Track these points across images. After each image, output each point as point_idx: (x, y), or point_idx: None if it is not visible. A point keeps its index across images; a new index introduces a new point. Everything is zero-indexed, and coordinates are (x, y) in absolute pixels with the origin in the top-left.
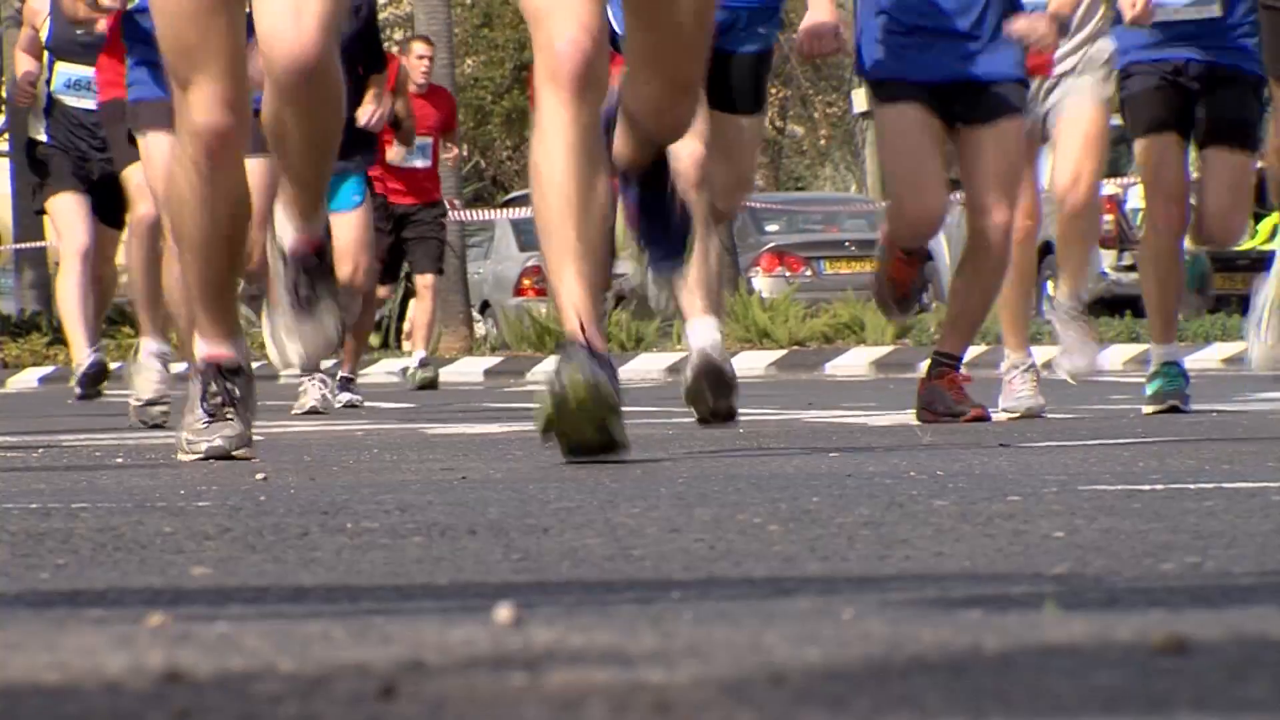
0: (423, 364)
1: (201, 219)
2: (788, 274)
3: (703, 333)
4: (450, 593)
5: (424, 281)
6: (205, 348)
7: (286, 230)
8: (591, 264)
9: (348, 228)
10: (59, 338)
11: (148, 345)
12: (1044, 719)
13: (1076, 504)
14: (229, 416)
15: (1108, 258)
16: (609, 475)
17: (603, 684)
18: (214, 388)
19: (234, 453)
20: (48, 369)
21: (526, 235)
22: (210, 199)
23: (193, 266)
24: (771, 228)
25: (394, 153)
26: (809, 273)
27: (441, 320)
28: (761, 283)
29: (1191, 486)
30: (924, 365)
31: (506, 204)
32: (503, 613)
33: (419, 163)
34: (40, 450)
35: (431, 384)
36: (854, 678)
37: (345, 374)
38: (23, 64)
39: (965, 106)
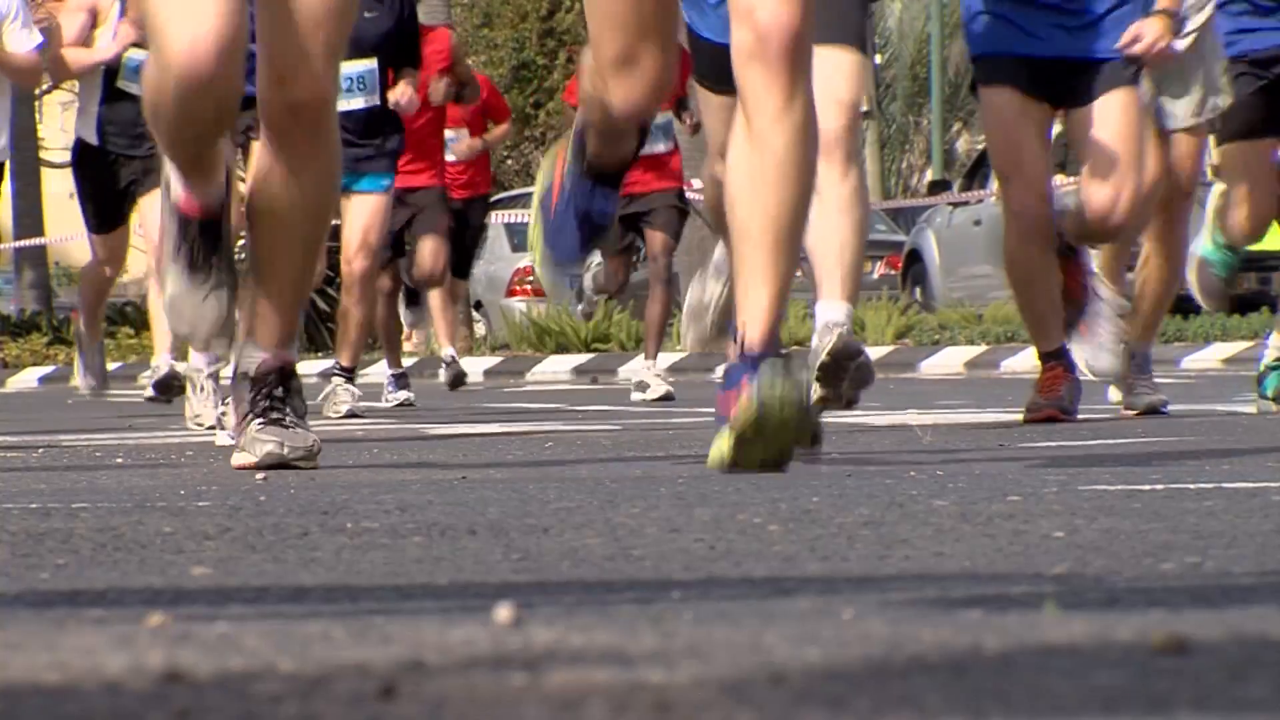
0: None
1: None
2: None
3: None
4: (450, 593)
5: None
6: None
7: (175, 186)
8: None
9: (362, 211)
10: (59, 337)
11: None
12: (1044, 719)
13: (1076, 504)
14: None
15: (1097, 258)
16: (609, 475)
17: (603, 684)
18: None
19: None
20: (48, 369)
21: (519, 236)
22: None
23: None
24: None
25: (460, 147)
26: (797, 273)
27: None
28: None
29: (1191, 486)
30: (924, 365)
31: (495, 204)
32: (503, 613)
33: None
34: (40, 450)
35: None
36: (854, 678)
37: (393, 371)
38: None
39: (1073, 86)
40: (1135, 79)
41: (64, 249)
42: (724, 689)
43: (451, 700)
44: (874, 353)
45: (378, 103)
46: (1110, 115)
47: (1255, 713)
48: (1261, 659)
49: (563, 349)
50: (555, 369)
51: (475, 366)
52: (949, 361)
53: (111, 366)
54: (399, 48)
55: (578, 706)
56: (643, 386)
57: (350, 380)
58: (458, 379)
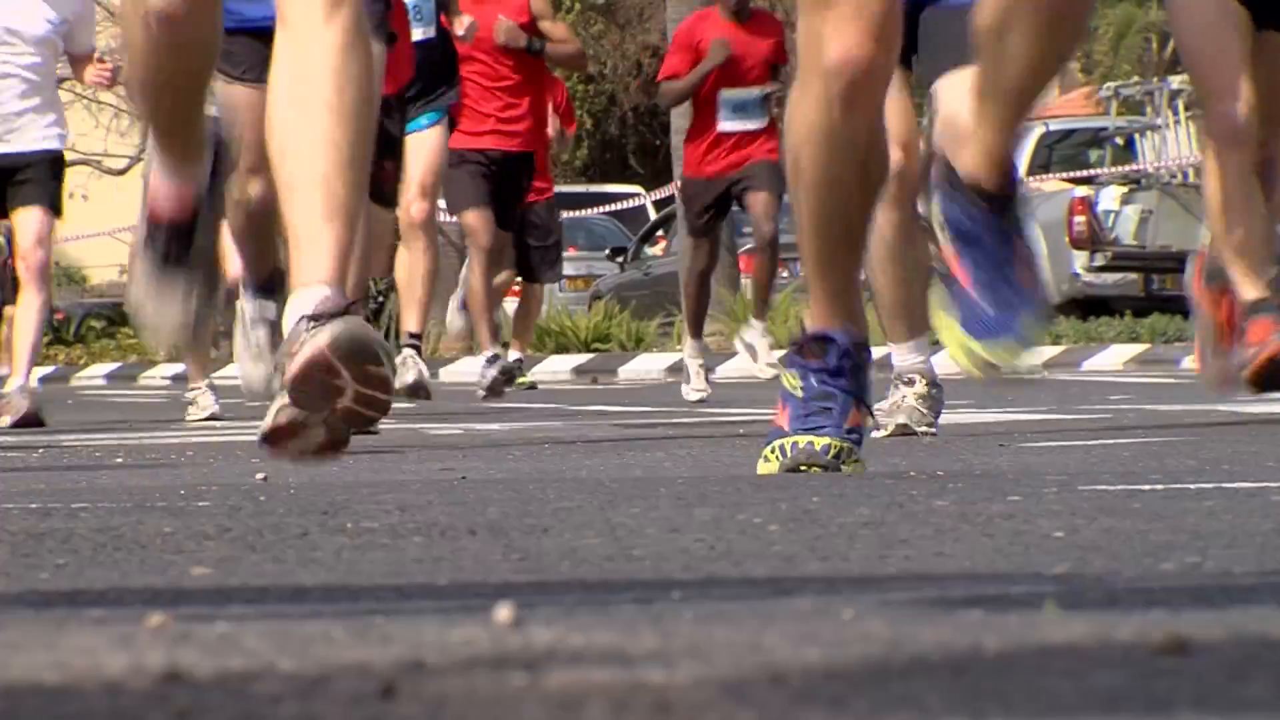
0: (517, 364)
1: (161, 61)
2: None
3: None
4: (450, 593)
5: (533, 288)
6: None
7: (159, 185)
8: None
9: (421, 147)
10: (59, 337)
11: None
12: (1044, 719)
13: (1076, 504)
14: None
15: (1079, 259)
16: (609, 475)
17: (603, 684)
18: None
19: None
20: (48, 369)
21: None
22: (169, 48)
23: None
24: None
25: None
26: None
27: (444, 320)
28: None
29: (1191, 486)
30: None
31: None
32: (503, 613)
33: None
34: (40, 450)
35: (514, 381)
36: (854, 678)
37: (506, 354)
38: None
39: (1267, 7)
40: None
41: (64, 249)
42: (724, 689)
43: (451, 700)
44: (875, 353)
45: (434, 34)
46: None
47: (1255, 713)
48: (1261, 659)
49: (563, 349)
50: (555, 369)
51: (475, 366)
52: (950, 361)
53: (111, 366)
54: None
55: (578, 706)
56: (751, 350)
57: (419, 351)
58: (506, 378)
